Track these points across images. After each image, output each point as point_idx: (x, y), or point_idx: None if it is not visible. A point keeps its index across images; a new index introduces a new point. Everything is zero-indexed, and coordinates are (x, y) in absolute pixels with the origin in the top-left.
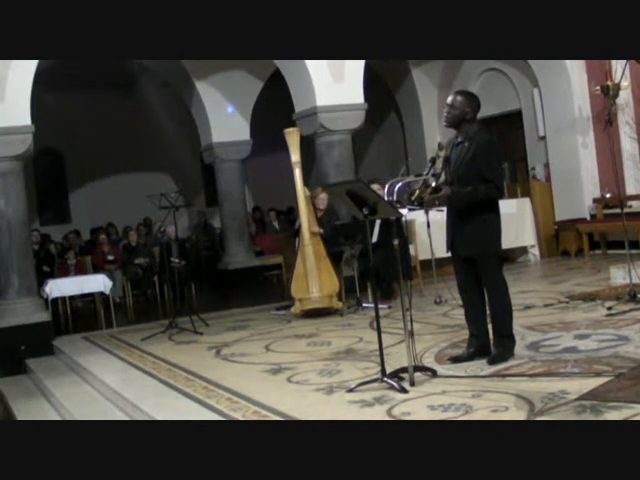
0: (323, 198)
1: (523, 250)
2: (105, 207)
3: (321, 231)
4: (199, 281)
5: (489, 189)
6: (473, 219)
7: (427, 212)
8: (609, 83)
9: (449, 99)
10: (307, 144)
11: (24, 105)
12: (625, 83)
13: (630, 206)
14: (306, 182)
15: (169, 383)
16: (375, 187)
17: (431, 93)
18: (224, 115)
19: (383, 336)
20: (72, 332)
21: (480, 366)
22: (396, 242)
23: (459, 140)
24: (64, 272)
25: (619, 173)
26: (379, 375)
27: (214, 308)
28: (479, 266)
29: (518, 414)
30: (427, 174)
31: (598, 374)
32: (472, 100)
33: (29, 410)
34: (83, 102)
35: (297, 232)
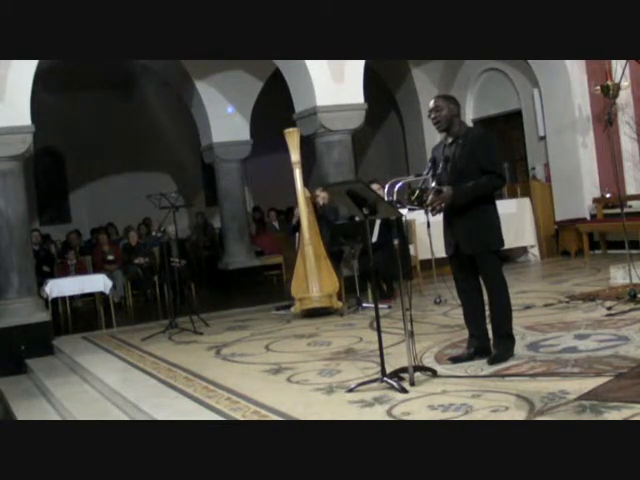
0: (324, 197)
1: (523, 250)
2: (105, 207)
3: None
4: (199, 281)
5: (492, 179)
6: (472, 218)
7: (427, 212)
8: (609, 83)
9: (430, 105)
10: (307, 144)
11: (24, 105)
12: (625, 83)
13: (630, 206)
14: (306, 182)
15: (169, 383)
16: (375, 187)
17: (431, 93)
18: (224, 115)
19: (383, 336)
20: (72, 332)
21: (480, 366)
22: (396, 242)
23: (450, 140)
24: (64, 272)
25: (619, 173)
26: (379, 375)
27: (214, 308)
28: (479, 265)
29: (518, 414)
30: (427, 174)
31: (598, 374)
32: (451, 99)
33: (29, 410)
34: (83, 102)
35: (295, 228)
